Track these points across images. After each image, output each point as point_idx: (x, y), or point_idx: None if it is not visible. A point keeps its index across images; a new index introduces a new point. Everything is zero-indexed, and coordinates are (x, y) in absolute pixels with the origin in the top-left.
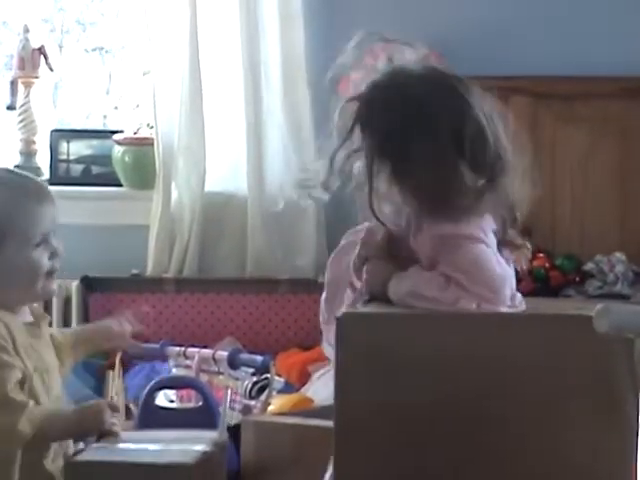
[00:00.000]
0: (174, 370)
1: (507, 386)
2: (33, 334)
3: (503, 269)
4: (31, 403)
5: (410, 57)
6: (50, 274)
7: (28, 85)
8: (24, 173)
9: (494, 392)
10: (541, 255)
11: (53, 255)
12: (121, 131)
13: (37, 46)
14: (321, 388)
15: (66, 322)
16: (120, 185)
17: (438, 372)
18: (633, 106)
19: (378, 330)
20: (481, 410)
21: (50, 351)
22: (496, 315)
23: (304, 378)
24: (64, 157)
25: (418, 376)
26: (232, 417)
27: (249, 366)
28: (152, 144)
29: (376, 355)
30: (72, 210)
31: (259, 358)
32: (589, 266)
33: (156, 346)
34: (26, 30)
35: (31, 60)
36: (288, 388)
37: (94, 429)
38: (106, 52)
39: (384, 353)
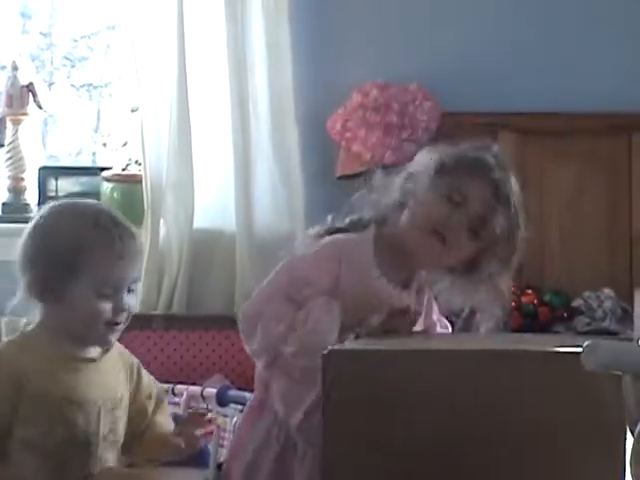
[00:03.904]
0: None
1: (497, 420)
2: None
3: None
4: None
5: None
6: (111, 325)
7: (16, 122)
8: (121, 219)
9: (484, 427)
10: (530, 291)
11: (119, 310)
12: (109, 168)
13: (26, 83)
14: None
15: None
16: None
17: (426, 408)
18: (620, 142)
19: (365, 366)
20: (471, 445)
21: (103, 384)
22: (486, 351)
23: None
24: (52, 194)
25: (406, 412)
26: (220, 454)
27: (238, 403)
28: (140, 181)
29: (364, 391)
30: None
31: (248, 395)
32: (578, 302)
33: None
34: (15, 67)
35: (19, 97)
36: None
37: None
38: (94, 89)
39: (372, 389)
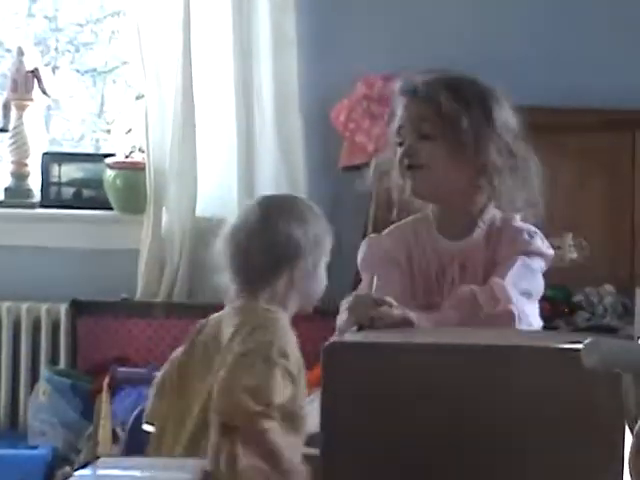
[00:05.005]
0: None
1: (495, 416)
2: None
3: None
4: None
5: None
6: None
7: (21, 108)
8: None
9: (482, 422)
10: None
11: None
12: (113, 155)
13: (31, 69)
14: (310, 415)
15: (54, 345)
16: (111, 209)
17: (426, 401)
18: (620, 138)
19: (366, 359)
20: (469, 440)
21: None
22: (484, 346)
23: None
24: (55, 180)
25: (406, 405)
26: None
27: None
28: (144, 168)
29: (364, 384)
30: (62, 233)
31: None
32: (578, 298)
33: (144, 371)
34: (20, 53)
35: (24, 83)
36: None
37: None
38: (98, 74)
39: (372, 382)
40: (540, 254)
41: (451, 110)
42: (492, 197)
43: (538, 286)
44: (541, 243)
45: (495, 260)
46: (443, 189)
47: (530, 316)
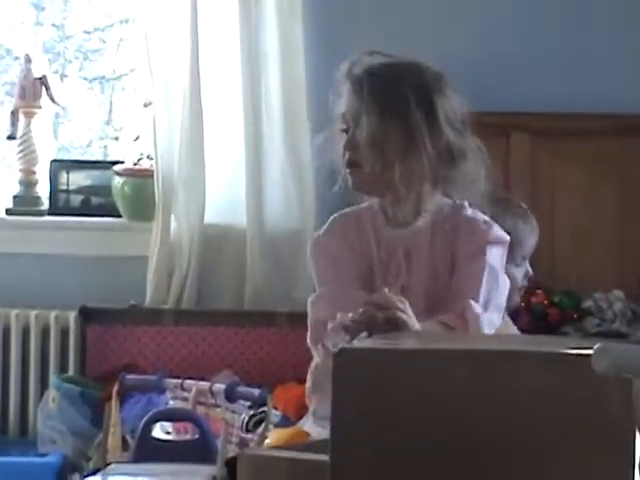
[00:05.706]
0: (171, 402)
1: (505, 423)
2: None
3: None
4: None
5: None
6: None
7: (29, 115)
8: None
9: (492, 429)
10: (540, 292)
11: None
12: (121, 162)
13: (39, 76)
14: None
15: (63, 352)
16: (119, 216)
17: (437, 408)
18: (631, 144)
19: (376, 365)
20: (479, 447)
21: None
22: (496, 352)
23: (301, 411)
24: (64, 187)
25: (417, 412)
26: (228, 450)
27: (246, 399)
28: (152, 175)
29: (374, 390)
30: (71, 240)
31: (256, 391)
32: (587, 303)
33: (153, 378)
34: (28, 60)
35: (32, 90)
36: (285, 421)
37: None
38: (107, 81)
39: (382, 388)
40: (499, 242)
41: (383, 108)
42: (436, 186)
43: (504, 289)
44: (498, 229)
45: (456, 254)
46: (379, 185)
47: (495, 324)
